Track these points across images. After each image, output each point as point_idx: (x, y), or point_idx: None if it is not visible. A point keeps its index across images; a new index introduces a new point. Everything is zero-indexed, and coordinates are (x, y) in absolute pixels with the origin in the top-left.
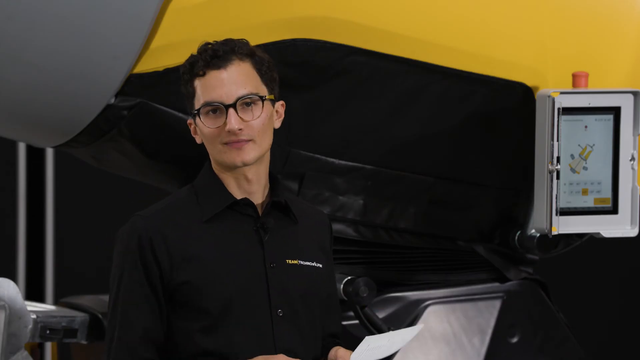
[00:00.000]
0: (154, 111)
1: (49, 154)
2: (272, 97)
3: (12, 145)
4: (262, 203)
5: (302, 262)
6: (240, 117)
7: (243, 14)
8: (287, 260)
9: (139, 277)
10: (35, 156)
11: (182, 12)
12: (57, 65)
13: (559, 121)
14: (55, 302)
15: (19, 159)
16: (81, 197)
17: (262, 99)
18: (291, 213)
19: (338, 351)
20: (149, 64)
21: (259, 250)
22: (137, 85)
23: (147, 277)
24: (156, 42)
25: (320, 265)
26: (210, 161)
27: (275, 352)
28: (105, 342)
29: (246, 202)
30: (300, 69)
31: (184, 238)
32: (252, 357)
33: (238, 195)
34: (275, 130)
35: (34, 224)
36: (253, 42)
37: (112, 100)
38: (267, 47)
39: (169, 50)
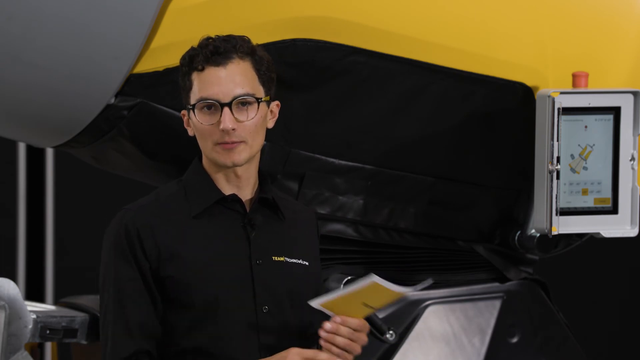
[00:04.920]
0: (154, 111)
1: (49, 154)
2: (267, 98)
3: (12, 145)
4: (251, 199)
5: (288, 260)
6: (235, 117)
7: (243, 14)
8: (274, 257)
9: (130, 271)
10: (35, 156)
11: (182, 12)
12: (57, 65)
13: (559, 121)
14: (55, 302)
15: (19, 159)
16: (81, 197)
17: (258, 101)
18: (279, 210)
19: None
20: (149, 64)
21: (245, 246)
22: (137, 85)
23: (139, 270)
24: (156, 42)
25: (307, 263)
26: (199, 156)
27: (259, 349)
28: (101, 342)
29: (234, 198)
30: (300, 69)
31: (171, 233)
32: (236, 353)
33: (227, 190)
34: (275, 131)
35: (34, 224)
36: (253, 42)
37: (112, 100)
38: (267, 47)
39: (169, 50)
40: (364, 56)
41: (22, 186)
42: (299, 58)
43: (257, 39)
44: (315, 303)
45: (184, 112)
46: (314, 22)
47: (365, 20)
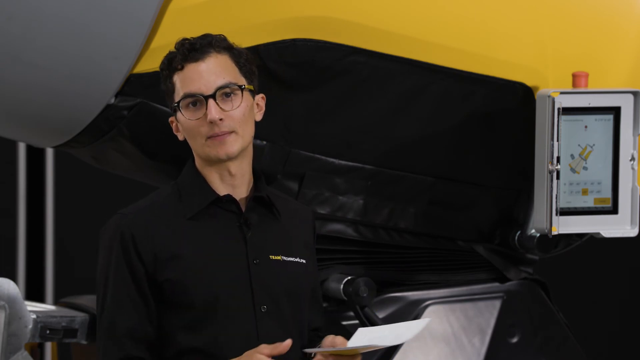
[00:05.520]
0: (154, 111)
1: (49, 154)
2: (251, 87)
3: (12, 145)
4: (246, 198)
5: (285, 258)
6: (221, 108)
7: (243, 14)
8: (271, 256)
9: (123, 276)
10: (35, 156)
11: (182, 12)
12: (57, 65)
13: (559, 121)
14: (55, 302)
15: (19, 159)
16: (81, 197)
17: (241, 88)
18: (274, 209)
19: (336, 338)
20: (149, 64)
21: (242, 246)
22: (137, 85)
23: (132, 275)
24: (156, 42)
25: (304, 261)
26: (193, 158)
27: None
28: (97, 341)
29: (229, 199)
30: (300, 69)
31: (167, 235)
32: (236, 353)
33: (221, 190)
34: (275, 131)
35: (34, 224)
36: (253, 42)
37: (112, 100)
38: (267, 47)
39: (169, 50)
40: (364, 56)
41: (22, 186)
42: (299, 58)
43: (257, 39)
44: (310, 351)
45: (172, 118)
46: (314, 22)
47: (365, 20)
